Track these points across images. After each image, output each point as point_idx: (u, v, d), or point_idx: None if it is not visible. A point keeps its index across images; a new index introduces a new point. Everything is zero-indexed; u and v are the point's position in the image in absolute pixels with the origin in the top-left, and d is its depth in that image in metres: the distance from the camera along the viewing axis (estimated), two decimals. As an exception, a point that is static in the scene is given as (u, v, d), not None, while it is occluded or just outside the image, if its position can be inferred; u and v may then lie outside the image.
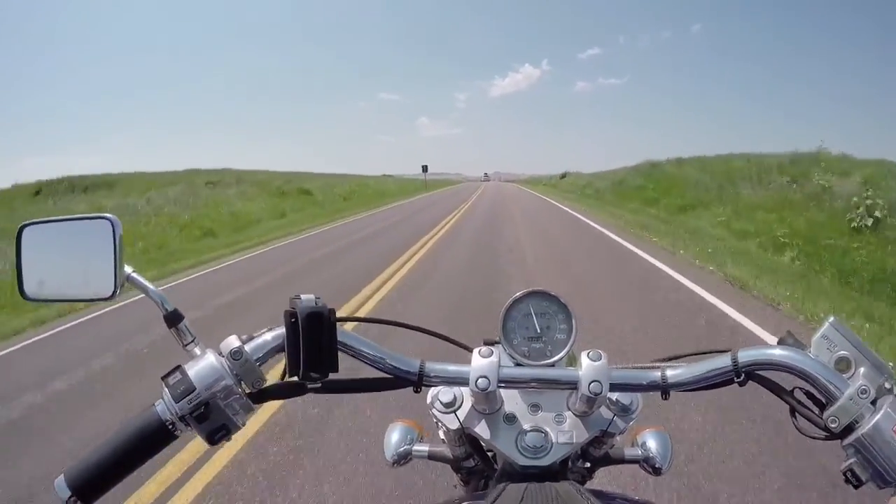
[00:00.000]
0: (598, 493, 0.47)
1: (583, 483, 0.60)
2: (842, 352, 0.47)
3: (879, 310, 4.02)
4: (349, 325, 0.59)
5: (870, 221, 7.36)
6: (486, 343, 0.54)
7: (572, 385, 0.49)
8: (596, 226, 9.36)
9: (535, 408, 0.53)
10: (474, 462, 0.61)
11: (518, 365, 0.54)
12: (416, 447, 0.65)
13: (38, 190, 21.83)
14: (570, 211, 12.99)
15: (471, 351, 0.50)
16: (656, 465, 0.62)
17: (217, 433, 0.46)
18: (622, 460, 0.62)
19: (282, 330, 0.47)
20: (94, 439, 2.15)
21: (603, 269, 5.59)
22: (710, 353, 0.51)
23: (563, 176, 39.56)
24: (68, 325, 4.50)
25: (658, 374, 0.49)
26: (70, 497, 0.43)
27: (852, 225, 7.51)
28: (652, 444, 0.63)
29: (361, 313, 3.51)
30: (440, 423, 0.55)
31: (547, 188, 36.92)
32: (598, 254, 6.50)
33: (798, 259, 6.46)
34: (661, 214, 11.09)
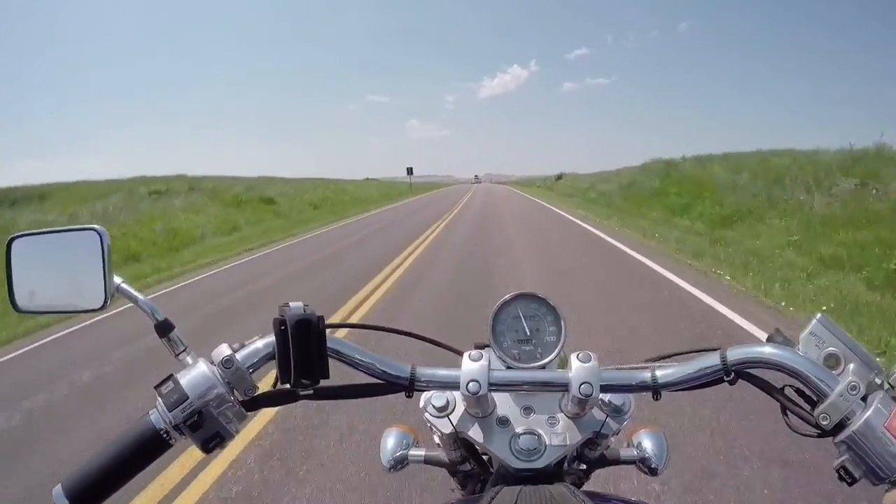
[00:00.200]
0: (592, 495, 0.49)
1: (579, 485, 0.61)
2: (830, 348, 0.49)
3: None
4: (340, 332, 0.62)
5: None
6: (477, 347, 0.56)
7: (563, 387, 0.51)
8: (629, 251, 7.20)
9: (527, 410, 0.55)
10: (470, 466, 0.63)
11: (509, 368, 0.56)
12: (412, 452, 0.67)
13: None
14: (582, 224, 11.28)
15: (461, 355, 0.53)
16: (652, 466, 0.63)
17: (211, 441, 0.48)
18: (618, 461, 0.63)
19: (272, 338, 0.50)
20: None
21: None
22: (700, 351, 0.53)
23: (559, 177, 37.82)
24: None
25: (648, 374, 0.52)
26: None
27: None
28: (647, 444, 0.65)
29: None
30: (434, 428, 0.56)
31: (542, 191, 35.74)
32: (665, 319, 4.08)
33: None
34: (700, 227, 9.41)
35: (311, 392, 0.50)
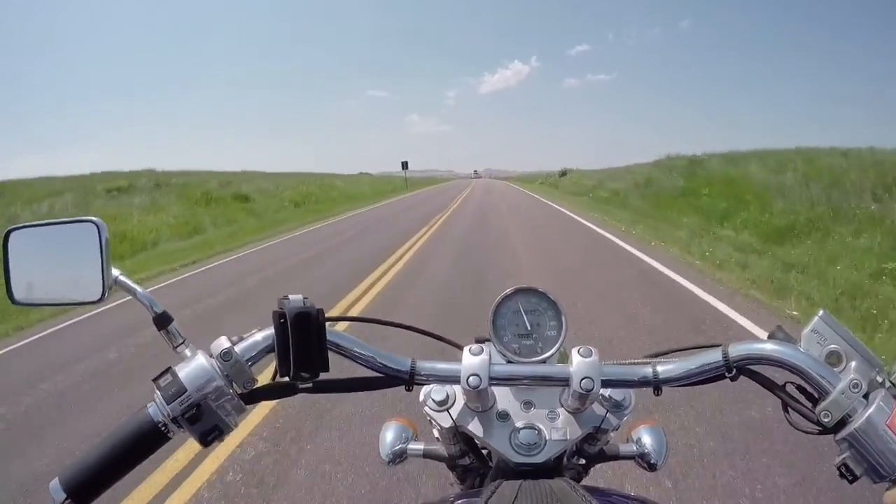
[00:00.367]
0: (592, 490, 0.51)
1: (578, 480, 0.64)
2: (832, 346, 0.50)
3: None
4: (340, 326, 0.61)
5: None
6: (478, 341, 0.58)
7: (564, 382, 0.53)
8: (683, 283, 5.31)
9: (527, 405, 0.57)
10: (469, 460, 0.65)
11: (509, 362, 0.58)
12: (411, 446, 0.69)
13: None
14: (603, 234, 9.42)
15: (461, 349, 0.55)
16: (651, 461, 0.66)
17: (209, 434, 0.50)
18: (617, 456, 0.66)
19: (271, 330, 0.51)
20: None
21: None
22: (702, 347, 0.55)
23: (564, 173, 36.09)
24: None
25: (649, 369, 0.54)
26: (65, 500, 0.47)
27: None
28: (647, 439, 0.67)
29: None
30: (434, 422, 0.59)
31: (545, 189, 34.36)
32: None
33: None
34: (751, 240, 7.88)
35: (311, 385, 0.52)
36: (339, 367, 0.53)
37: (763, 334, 0.55)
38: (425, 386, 0.57)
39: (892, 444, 0.44)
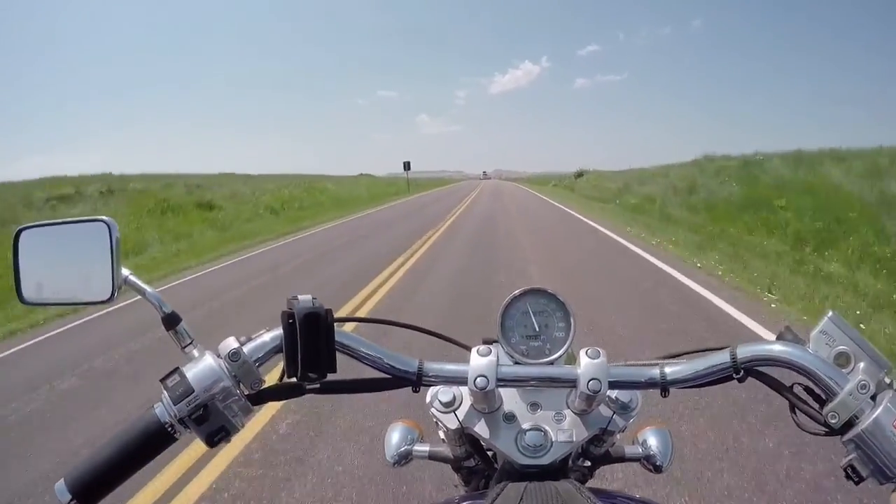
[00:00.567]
0: (597, 492, 0.53)
1: (583, 481, 0.67)
2: (841, 347, 0.52)
3: None
4: (348, 326, 0.69)
5: None
6: (485, 342, 0.60)
7: (571, 383, 0.56)
8: None
9: (534, 406, 0.60)
10: (475, 462, 0.69)
11: (517, 363, 0.61)
12: (417, 447, 0.72)
13: None
14: (663, 269, 6.57)
15: (469, 350, 0.58)
16: (657, 463, 0.68)
17: (216, 435, 0.52)
18: (623, 458, 0.68)
19: (280, 331, 0.54)
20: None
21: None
22: (710, 349, 0.57)
23: (580, 175, 33.31)
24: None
25: (657, 371, 0.56)
26: (71, 500, 0.49)
27: None
28: (652, 441, 0.69)
29: None
30: (440, 423, 0.62)
31: (560, 192, 33.60)
32: None
33: None
34: (886, 288, 5.38)
35: (318, 386, 0.55)
36: (345, 368, 0.57)
37: None
38: (432, 387, 0.60)
39: None
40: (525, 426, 0.57)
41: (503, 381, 0.56)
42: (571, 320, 0.62)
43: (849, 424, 0.48)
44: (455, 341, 0.68)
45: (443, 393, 0.59)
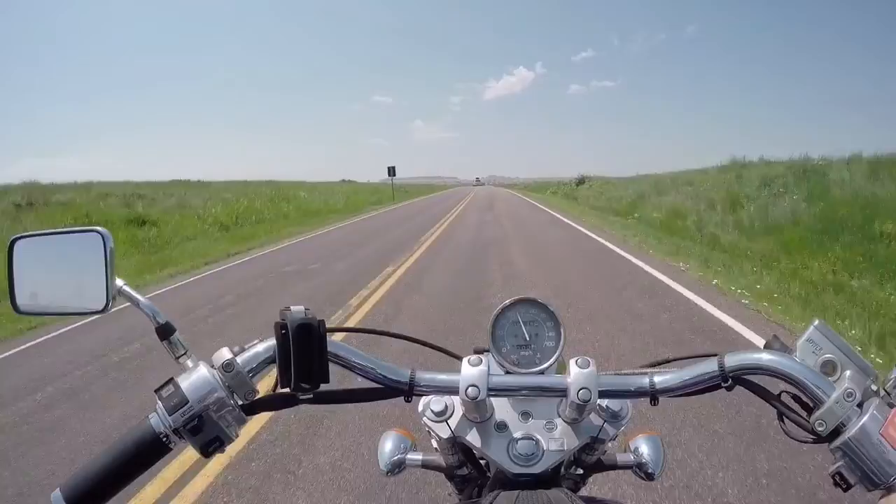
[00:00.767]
0: (589, 500, 0.57)
1: (576, 490, 0.70)
2: (827, 355, 0.54)
3: None
4: (339, 336, 0.74)
5: None
6: (476, 351, 0.64)
7: (562, 392, 0.59)
8: None
9: (525, 415, 0.63)
10: (467, 470, 0.72)
11: (508, 373, 0.64)
12: (410, 456, 0.75)
13: None
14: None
15: (461, 360, 0.61)
16: (649, 471, 0.71)
17: (210, 445, 0.54)
18: (615, 466, 0.72)
19: (273, 341, 0.57)
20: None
21: None
22: (698, 357, 0.60)
23: (581, 181, 31.01)
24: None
25: (646, 380, 0.60)
26: None
27: None
28: (644, 449, 0.72)
29: None
30: (432, 432, 0.65)
31: (561, 201, 30.45)
32: None
33: None
34: None
35: (311, 396, 0.58)
36: (337, 378, 0.60)
37: None
38: (424, 397, 0.64)
39: (886, 452, 0.49)
40: (517, 435, 0.61)
41: (494, 391, 0.59)
42: (561, 330, 0.66)
43: (836, 432, 0.51)
44: (446, 351, 0.72)
45: (435, 402, 0.63)
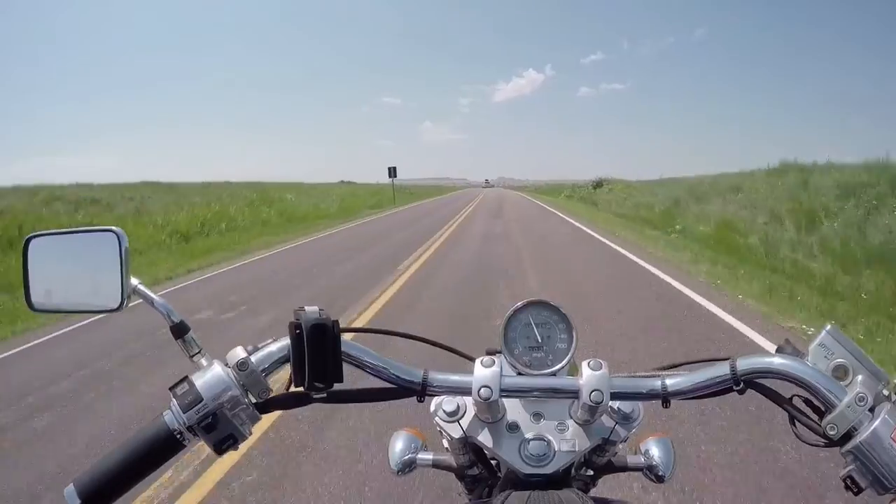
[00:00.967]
0: (600, 501, 0.58)
1: (586, 491, 0.72)
2: (839, 360, 0.55)
3: None
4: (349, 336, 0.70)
5: None
6: (489, 353, 0.66)
7: (574, 394, 0.61)
8: None
9: (537, 416, 0.65)
10: (478, 470, 0.74)
11: (520, 374, 0.67)
12: (421, 455, 0.77)
13: None
14: None
15: (473, 361, 0.64)
16: (659, 473, 0.73)
17: (224, 443, 0.57)
18: (625, 468, 0.74)
19: (287, 341, 0.60)
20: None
21: None
22: (710, 361, 0.63)
23: (599, 185, 27.39)
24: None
25: (658, 382, 0.61)
26: None
27: None
28: (655, 451, 0.74)
29: None
30: (444, 432, 0.67)
31: (577, 206, 27.59)
32: None
33: None
34: None
35: (325, 395, 0.60)
36: (351, 378, 0.62)
37: None
38: (436, 397, 0.67)
39: None
40: (528, 436, 0.63)
41: (507, 392, 0.62)
42: (573, 332, 0.68)
43: (847, 436, 0.53)
44: (459, 352, 0.74)
45: (447, 403, 0.65)
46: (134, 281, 0.62)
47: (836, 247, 7.90)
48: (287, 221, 18.58)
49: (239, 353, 0.56)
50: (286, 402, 0.59)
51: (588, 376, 0.57)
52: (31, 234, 0.67)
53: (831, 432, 0.51)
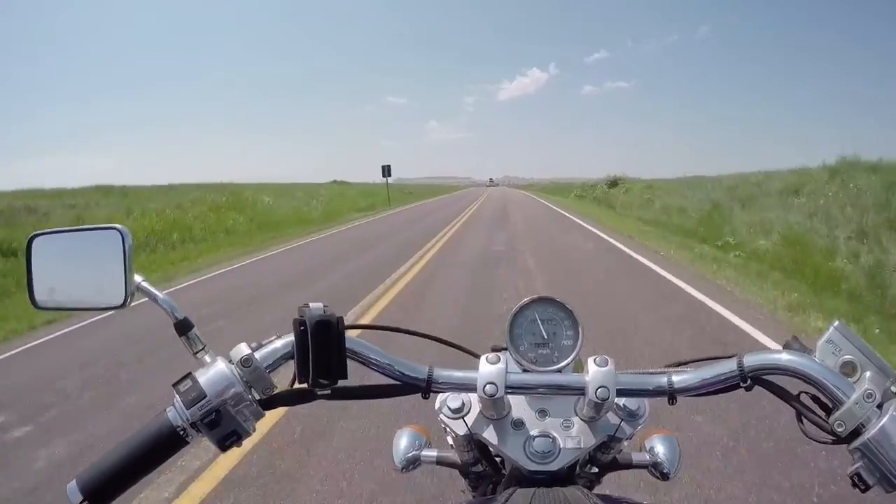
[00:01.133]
0: (605, 498, 0.60)
1: (591, 488, 0.76)
2: (847, 356, 0.57)
3: None
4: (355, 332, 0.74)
5: None
6: (494, 349, 0.69)
7: (579, 391, 0.64)
8: None
9: (542, 413, 0.68)
10: (482, 467, 0.78)
11: (525, 371, 0.70)
12: (425, 452, 0.80)
13: None
14: None
15: (478, 357, 0.67)
16: (664, 471, 0.76)
17: (228, 439, 0.59)
18: (630, 465, 0.77)
19: (291, 337, 0.63)
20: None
21: None
22: (717, 358, 0.66)
23: (614, 184, 26.54)
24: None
25: (664, 379, 0.64)
26: (82, 501, 0.55)
27: None
28: (660, 449, 0.77)
29: None
30: (448, 429, 0.71)
31: (592, 208, 25.04)
32: None
33: None
34: None
35: (329, 392, 0.63)
36: (356, 374, 0.65)
37: None
38: (441, 394, 0.71)
39: None
40: (533, 433, 0.66)
41: (512, 389, 0.64)
42: (579, 329, 0.71)
43: (855, 433, 0.55)
44: (464, 349, 0.77)
45: (452, 399, 0.68)
46: (138, 278, 0.64)
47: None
48: (258, 228, 16.52)
49: (243, 349, 0.58)
50: (290, 398, 0.61)
51: (594, 373, 0.59)
52: (34, 233, 0.69)
53: (839, 429, 0.53)
